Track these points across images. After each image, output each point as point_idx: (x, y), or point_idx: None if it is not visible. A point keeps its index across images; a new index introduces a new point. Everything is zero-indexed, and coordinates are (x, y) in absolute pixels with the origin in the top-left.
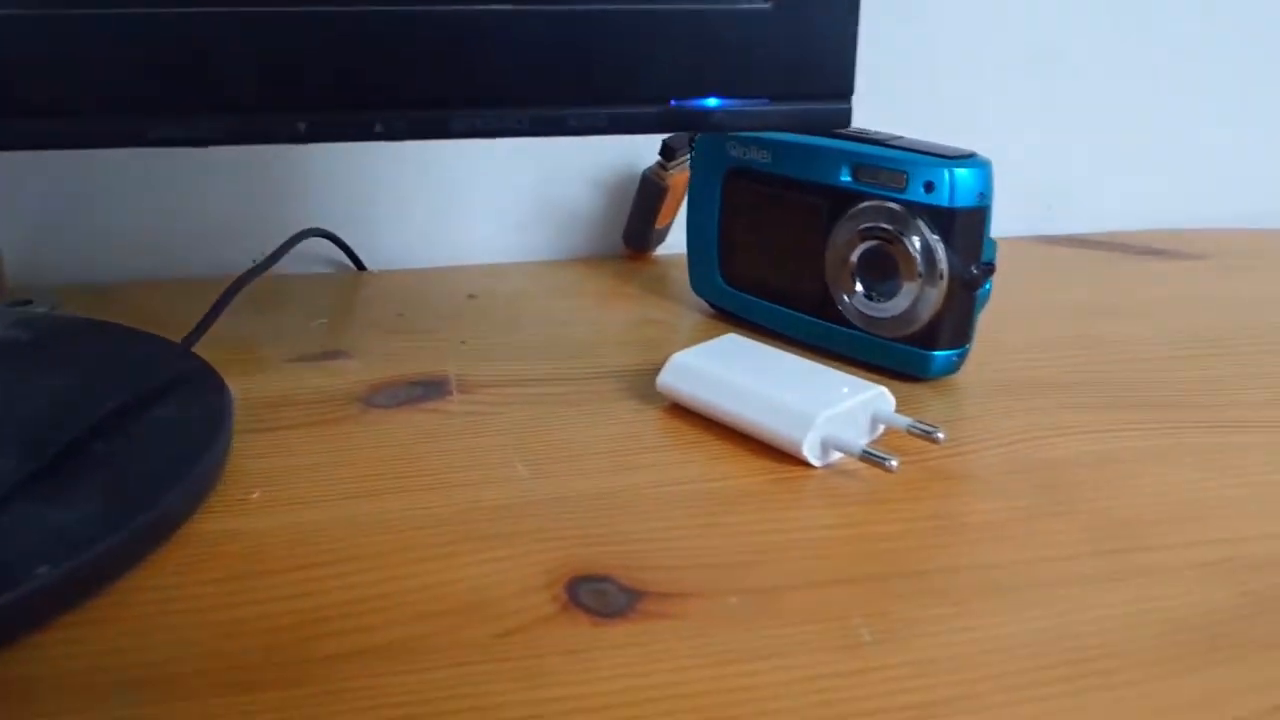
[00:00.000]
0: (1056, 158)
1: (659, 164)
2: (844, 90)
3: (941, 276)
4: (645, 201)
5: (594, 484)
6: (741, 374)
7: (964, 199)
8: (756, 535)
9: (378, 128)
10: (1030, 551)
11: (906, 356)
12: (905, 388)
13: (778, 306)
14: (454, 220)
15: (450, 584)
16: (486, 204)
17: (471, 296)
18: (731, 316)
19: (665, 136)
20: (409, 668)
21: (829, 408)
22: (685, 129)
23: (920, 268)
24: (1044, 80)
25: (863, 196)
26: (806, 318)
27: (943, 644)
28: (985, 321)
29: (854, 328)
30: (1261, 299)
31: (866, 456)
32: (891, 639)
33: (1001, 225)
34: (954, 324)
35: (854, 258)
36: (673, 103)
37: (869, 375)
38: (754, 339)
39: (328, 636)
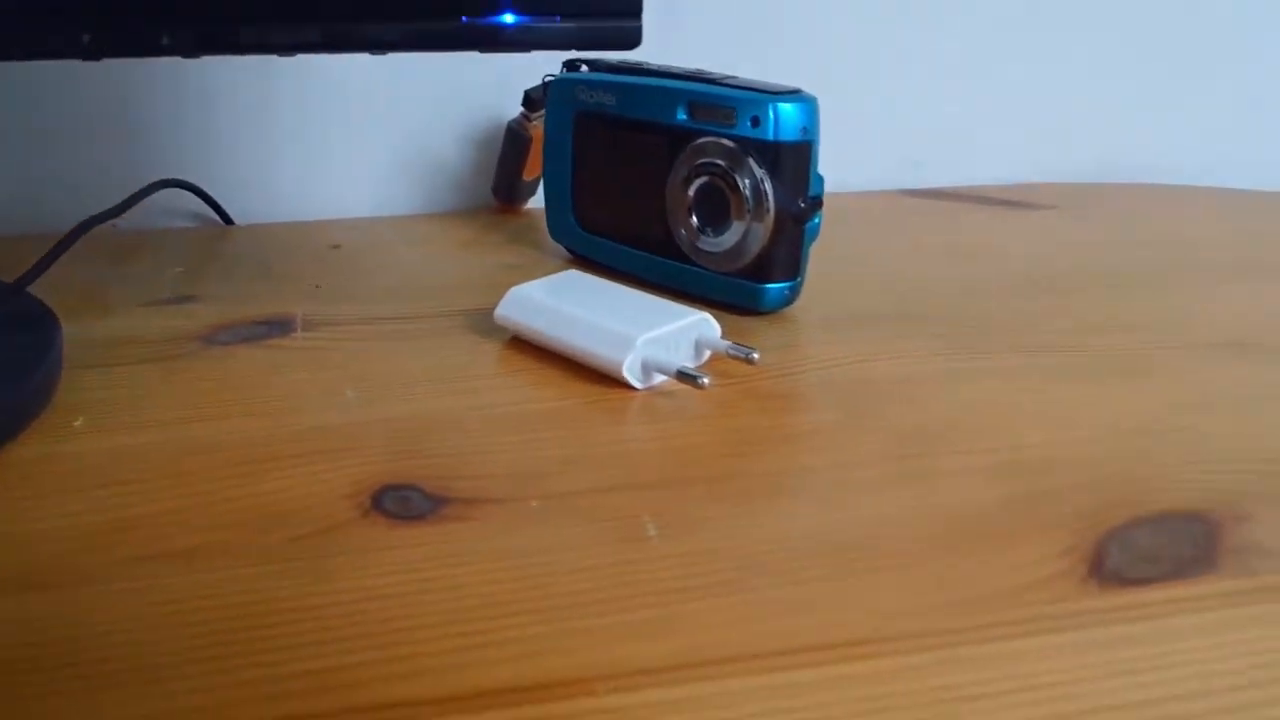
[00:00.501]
0: (926, 115)
1: (523, 114)
2: (634, 8)
3: (768, 211)
4: (511, 153)
5: (418, 407)
6: (573, 304)
7: (788, 133)
8: (567, 449)
9: (165, 40)
10: (827, 459)
11: (741, 290)
12: (744, 321)
13: (628, 248)
14: (322, 176)
15: (257, 497)
16: (355, 159)
17: (335, 247)
18: (589, 261)
19: (528, 88)
20: (204, 568)
21: (649, 331)
22: (479, 46)
23: (748, 202)
24: (911, 34)
25: (698, 134)
26: (653, 258)
27: (722, 537)
28: (831, 262)
29: (694, 264)
30: (1090, 243)
31: (681, 375)
32: (676, 533)
33: (871, 180)
34: (784, 258)
35: (690, 194)
36: (464, 19)
37: (709, 310)
38: (596, 275)
39: (126, 544)
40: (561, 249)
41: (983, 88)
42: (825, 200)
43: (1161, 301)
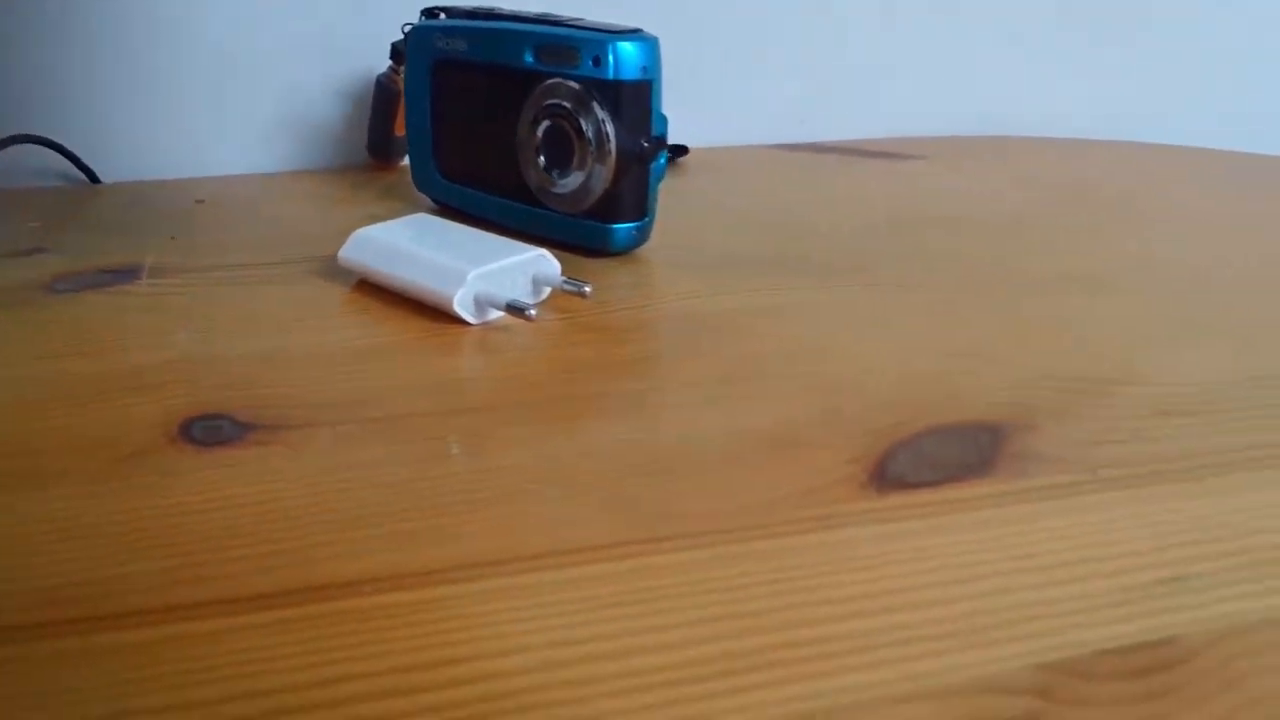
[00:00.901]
0: (811, 71)
1: (390, 68)
2: None
3: (610, 152)
4: (381, 107)
5: (250, 345)
6: (413, 244)
7: (628, 72)
8: (389, 380)
9: None
10: (648, 384)
11: (590, 231)
12: (595, 262)
13: (486, 194)
14: (192, 134)
15: (73, 428)
16: (227, 117)
17: (199, 201)
18: (453, 210)
19: (394, 40)
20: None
21: (481, 266)
22: None
23: (591, 143)
24: None
25: (545, 76)
26: (510, 203)
27: (526, 454)
28: (693, 210)
29: (546, 207)
30: (952, 190)
31: (510, 307)
32: (479, 452)
33: (754, 135)
34: (630, 198)
35: (538, 136)
36: None
37: (565, 253)
38: (446, 218)
39: None
40: (429, 200)
41: (868, 44)
42: (701, 154)
43: (1005, 241)
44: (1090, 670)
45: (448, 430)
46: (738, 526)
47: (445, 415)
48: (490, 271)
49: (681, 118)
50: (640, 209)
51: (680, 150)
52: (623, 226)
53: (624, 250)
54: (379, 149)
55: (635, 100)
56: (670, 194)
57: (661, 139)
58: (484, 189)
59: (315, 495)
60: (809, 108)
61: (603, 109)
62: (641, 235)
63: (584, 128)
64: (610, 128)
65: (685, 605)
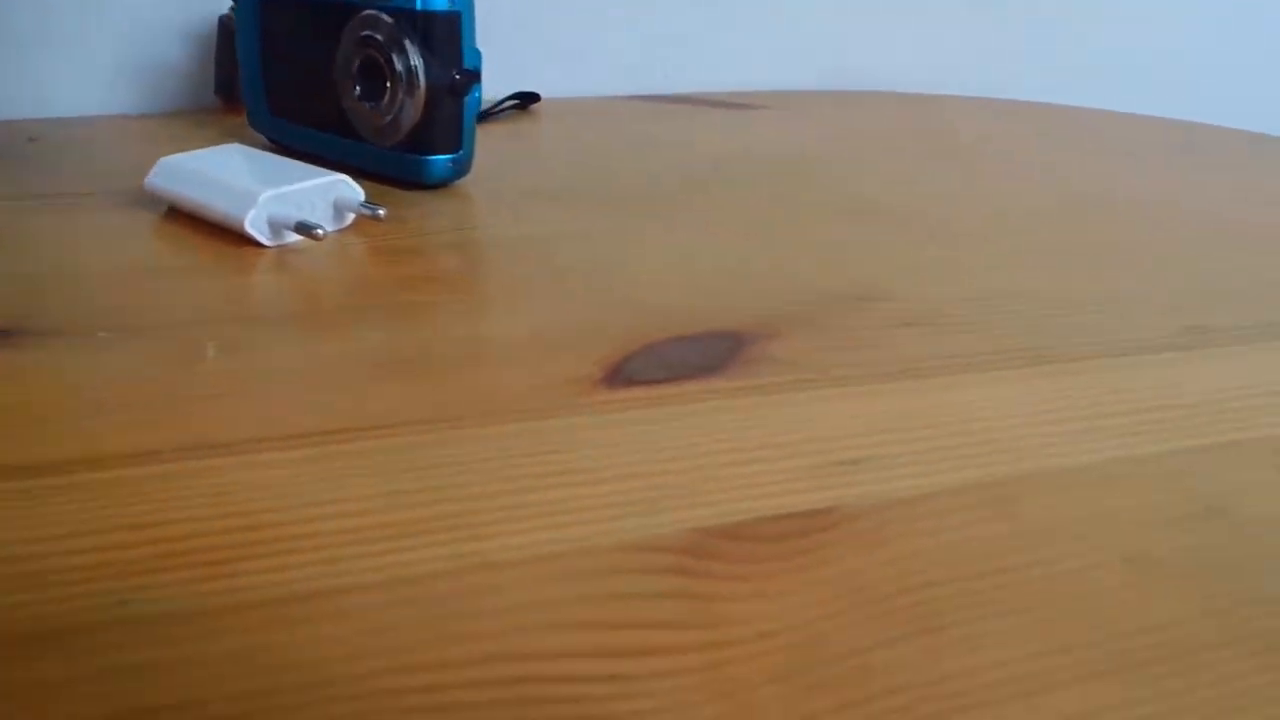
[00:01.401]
0: (668, 23)
1: (232, 6)
2: None
3: (419, 85)
4: (224, 48)
5: (34, 267)
6: (215, 170)
7: (437, 3)
8: (166, 296)
9: None
10: (428, 298)
11: (406, 164)
12: (412, 194)
13: (313, 130)
14: (32, 73)
15: None
16: (67, 57)
17: (31, 140)
18: (286, 147)
19: None
20: None
21: (274, 188)
22: None
23: (402, 76)
24: None
25: (361, 8)
26: (333, 137)
27: (284, 357)
28: (527, 152)
29: (365, 141)
30: (778, 138)
31: (300, 227)
32: (237, 356)
33: (616, 87)
34: (443, 131)
35: (354, 69)
36: None
37: (386, 186)
38: (261, 149)
39: None
40: (265, 139)
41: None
42: (554, 103)
43: (811, 176)
44: (742, 533)
45: (202, 335)
46: (464, 415)
47: (213, 325)
48: (285, 194)
49: (539, 67)
50: (455, 142)
51: (531, 97)
52: (437, 159)
53: (440, 182)
54: (225, 90)
55: (445, 32)
56: (512, 137)
57: (473, 72)
58: (310, 125)
59: (64, 393)
60: (669, 61)
61: (412, 41)
62: (458, 168)
63: (394, 60)
64: (419, 60)
65: (390, 478)
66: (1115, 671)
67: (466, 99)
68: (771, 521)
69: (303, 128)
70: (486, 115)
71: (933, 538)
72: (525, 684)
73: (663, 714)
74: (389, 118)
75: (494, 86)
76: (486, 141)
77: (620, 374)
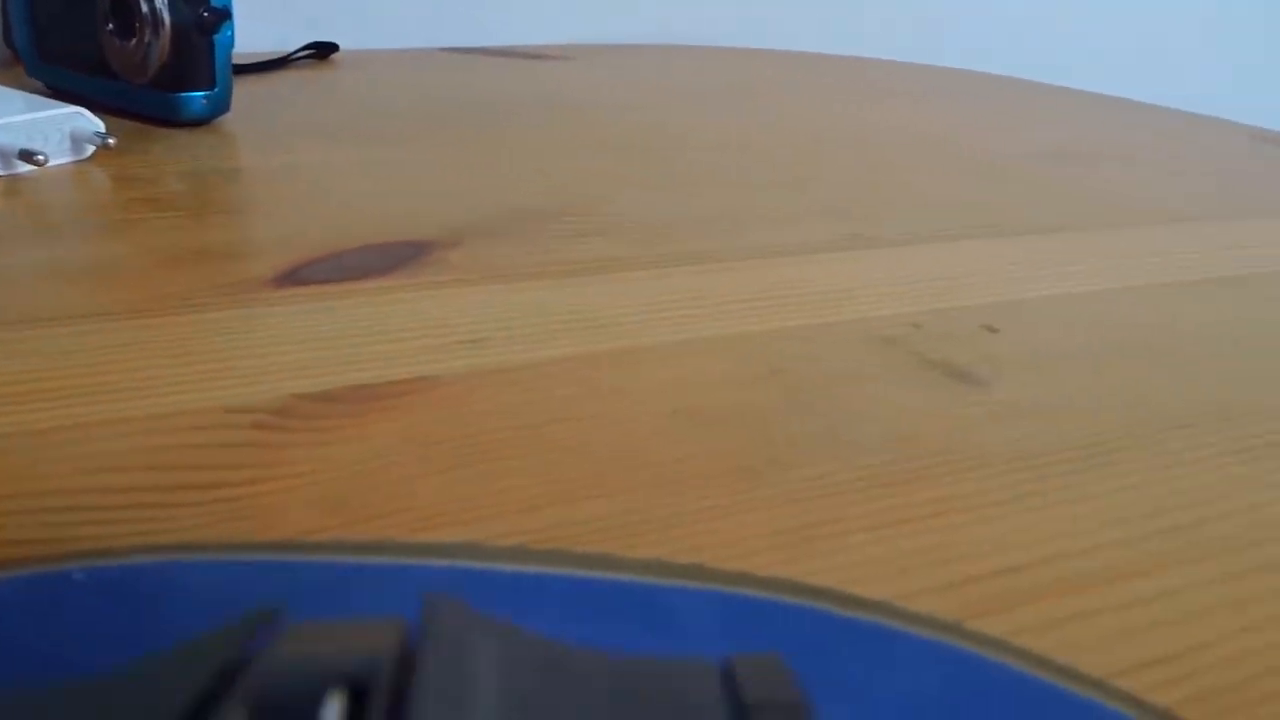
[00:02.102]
0: None
1: None
2: None
3: (165, 21)
4: None
5: None
6: None
7: None
8: None
9: None
10: (139, 215)
11: (160, 101)
12: (170, 132)
13: (79, 74)
14: None
15: None
16: None
17: None
18: (61, 92)
19: None
20: None
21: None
22: None
23: (147, 12)
24: None
25: None
26: (96, 79)
27: None
28: (309, 97)
29: (122, 79)
30: (562, 84)
31: (23, 154)
32: None
33: (422, 39)
34: (193, 68)
35: (107, 7)
36: None
37: (149, 125)
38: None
39: None
40: (40, 84)
41: None
42: (355, 53)
43: (573, 117)
44: (338, 396)
45: None
46: (141, 309)
47: None
48: (11, 124)
49: (343, 18)
50: (208, 80)
51: (329, 47)
52: (191, 96)
53: (196, 119)
54: (8, 38)
55: None
56: (301, 84)
57: (222, 10)
58: (78, 69)
59: None
60: (479, 14)
61: None
62: (213, 105)
63: None
64: None
65: (59, 358)
66: (641, 487)
67: (218, 38)
68: (370, 388)
69: (71, 72)
70: (281, 63)
71: (512, 397)
72: (87, 509)
73: (202, 529)
74: (139, 55)
75: (296, 37)
76: (274, 86)
77: (292, 277)
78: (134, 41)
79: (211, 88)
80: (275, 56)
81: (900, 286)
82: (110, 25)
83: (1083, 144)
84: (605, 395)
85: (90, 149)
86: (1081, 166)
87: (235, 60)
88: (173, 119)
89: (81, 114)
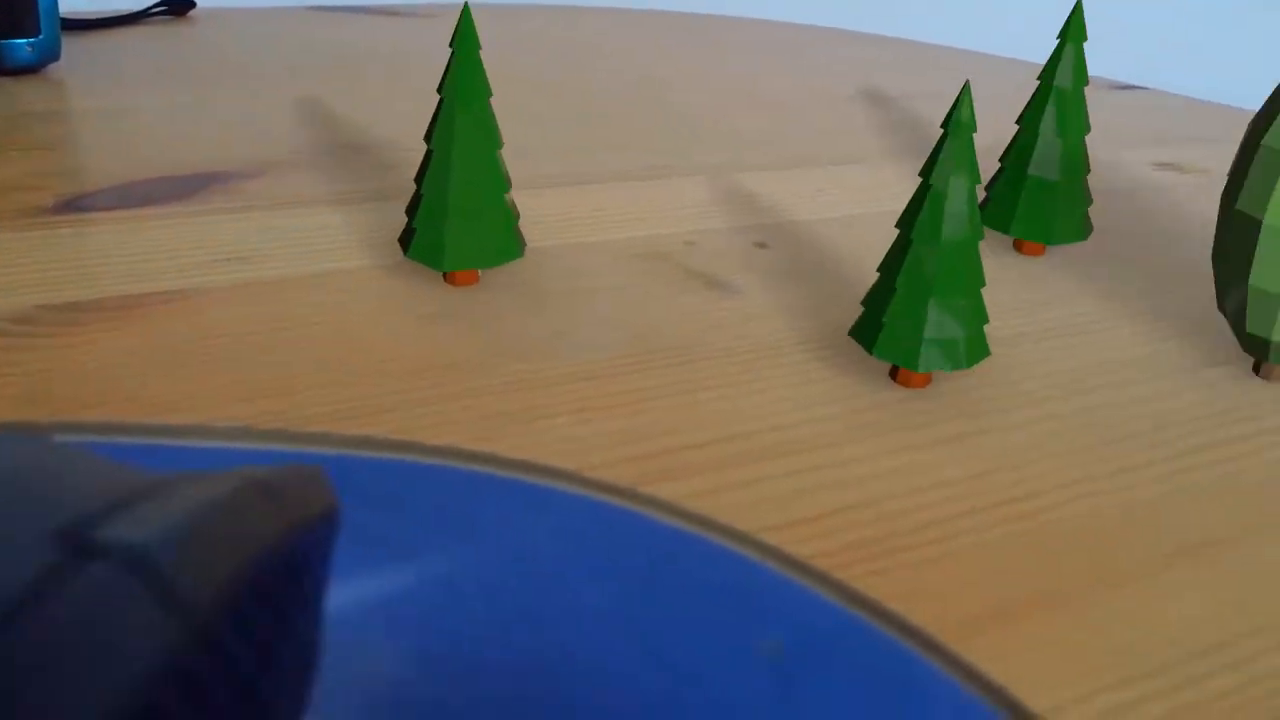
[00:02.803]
0: None
1: None
2: None
3: None
4: None
5: None
6: None
7: None
8: None
9: None
10: None
11: None
12: (14, 80)
13: None
14: None
15: None
16: None
17: None
18: None
19: None
20: None
21: None
22: None
23: None
24: None
25: None
26: None
27: None
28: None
29: None
30: (413, 39)
31: None
32: None
33: None
34: (19, 16)
35: None
36: None
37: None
38: None
39: None
40: None
41: None
42: (216, 11)
43: (411, 68)
44: (84, 307)
45: None
46: None
47: None
48: None
49: None
50: (32, 27)
51: (185, 4)
52: (15, 43)
53: (22, 66)
54: None
55: None
56: (152, 39)
57: None
58: None
59: None
60: None
61: None
62: (40, 53)
63: None
64: None
65: None
66: (360, 380)
67: None
68: (119, 300)
69: None
70: (135, 18)
71: (258, 308)
72: None
73: None
74: None
75: None
76: (123, 40)
77: (73, 204)
78: None
79: (37, 35)
80: (129, 13)
81: (684, 210)
82: None
83: (893, 88)
84: (352, 304)
85: None
86: (877, 108)
87: (86, 15)
88: (5, 67)
89: None
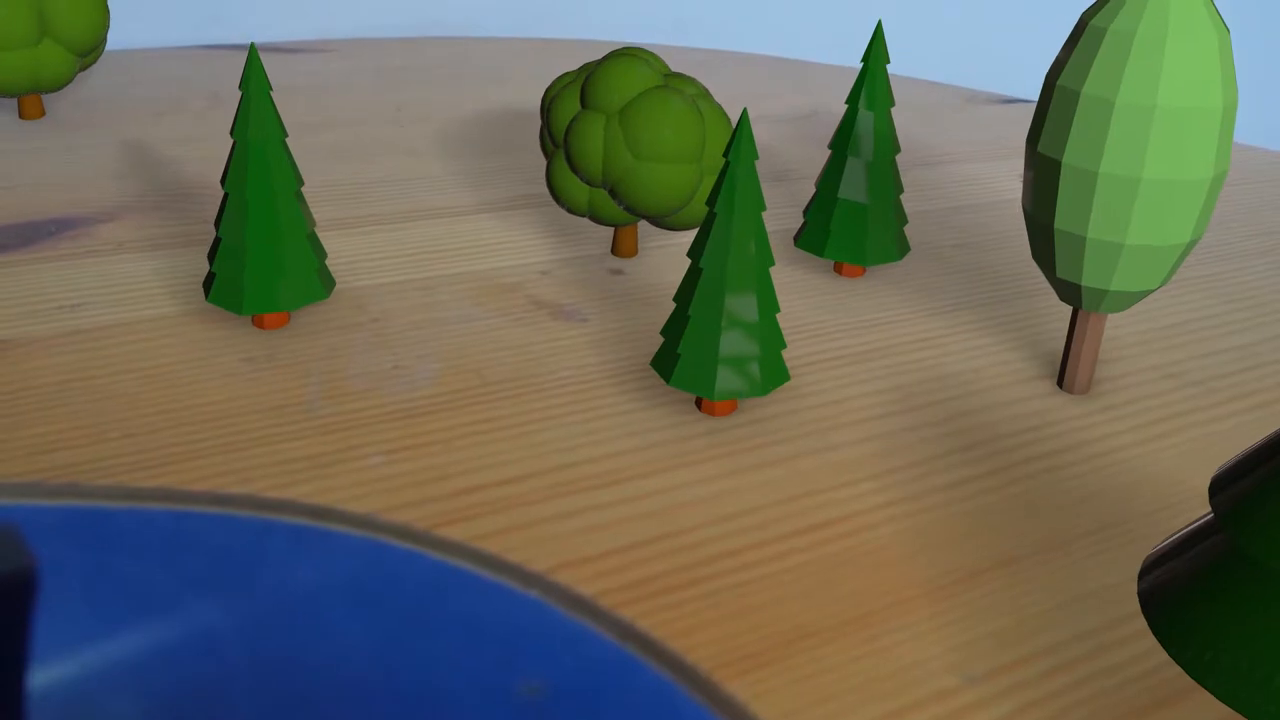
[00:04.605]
0: None
1: None
2: None
3: None
4: None
5: None
6: None
7: None
8: None
9: None
10: None
11: None
12: None
13: None
14: None
15: None
16: None
17: None
18: None
19: None
20: None
21: None
22: None
23: None
24: None
25: None
26: None
27: None
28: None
29: None
30: (292, 74)
31: None
32: None
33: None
34: None
35: None
36: None
37: None
38: None
39: None
40: None
41: None
42: (122, 54)
43: (299, 100)
44: None
45: None
46: None
47: None
48: None
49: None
50: None
51: None
52: None
53: None
54: None
55: None
56: None
57: None
58: None
59: None
60: (248, 13)
61: None
62: None
63: None
64: None
65: None
66: (187, 424)
67: None
68: None
69: None
70: None
71: (82, 355)
72: None
73: None
74: None
75: None
76: None
77: None
78: None
79: None
80: None
81: (545, 239)
82: None
83: (781, 109)
84: (168, 350)
85: None
86: (760, 127)
87: None
88: None
89: None
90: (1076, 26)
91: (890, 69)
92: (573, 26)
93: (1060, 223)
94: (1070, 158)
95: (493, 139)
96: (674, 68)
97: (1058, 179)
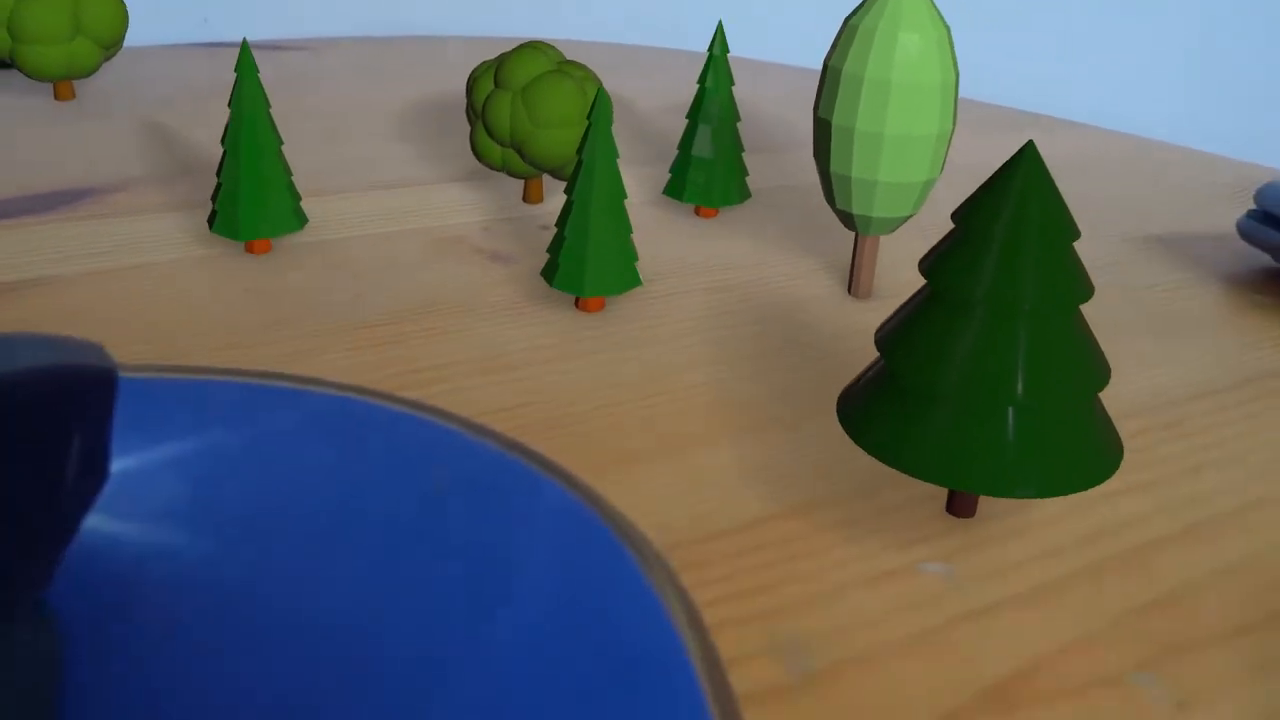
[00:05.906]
0: None
1: None
2: None
3: None
4: None
5: None
6: None
7: None
8: None
9: None
10: None
11: None
12: None
13: None
14: None
15: None
16: None
17: None
18: None
19: None
20: None
21: None
22: None
23: None
24: None
25: None
26: None
27: None
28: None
29: None
30: (273, 69)
31: None
32: None
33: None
34: None
35: None
36: None
37: None
38: None
39: None
40: None
41: None
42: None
43: (289, 93)
44: None
45: None
46: None
47: None
48: None
49: None
50: None
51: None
52: None
53: None
54: None
55: None
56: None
57: None
58: None
59: None
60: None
61: None
62: None
63: None
64: None
65: None
66: (184, 336)
67: None
68: None
69: None
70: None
71: (104, 289)
72: None
73: None
74: None
75: None
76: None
77: None
78: None
79: None
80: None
81: (486, 204)
82: None
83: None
84: (198, 286)
85: None
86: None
87: None
88: None
89: None
90: (842, 25)
91: (756, 55)
92: (536, 27)
93: (835, 167)
94: (838, 119)
95: (450, 125)
96: (606, 64)
97: (830, 135)
